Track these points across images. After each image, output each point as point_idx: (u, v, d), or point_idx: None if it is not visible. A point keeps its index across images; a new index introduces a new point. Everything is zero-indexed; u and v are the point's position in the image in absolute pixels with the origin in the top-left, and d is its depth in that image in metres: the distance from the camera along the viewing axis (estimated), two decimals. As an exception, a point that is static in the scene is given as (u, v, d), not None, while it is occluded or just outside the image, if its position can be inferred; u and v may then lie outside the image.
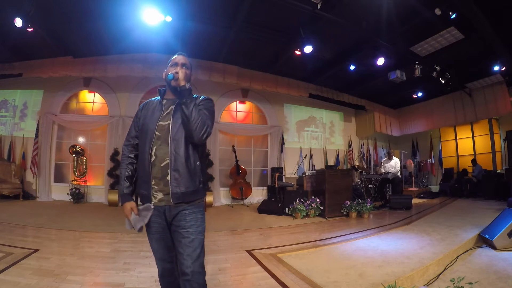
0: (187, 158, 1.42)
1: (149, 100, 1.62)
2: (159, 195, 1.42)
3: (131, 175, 1.54)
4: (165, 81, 1.50)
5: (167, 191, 1.40)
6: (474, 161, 9.00)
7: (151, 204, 1.43)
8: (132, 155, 1.56)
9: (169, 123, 1.45)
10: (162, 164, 1.41)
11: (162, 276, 1.54)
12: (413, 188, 9.55)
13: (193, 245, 1.38)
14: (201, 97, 1.53)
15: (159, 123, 1.46)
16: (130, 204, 1.46)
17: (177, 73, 1.42)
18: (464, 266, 2.84)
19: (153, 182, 1.42)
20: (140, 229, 1.45)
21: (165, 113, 1.49)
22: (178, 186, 1.39)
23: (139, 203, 1.52)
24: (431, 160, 11.03)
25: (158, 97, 1.58)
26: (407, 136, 11.47)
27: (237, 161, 7.83)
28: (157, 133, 1.44)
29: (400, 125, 11.40)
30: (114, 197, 6.80)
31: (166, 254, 1.50)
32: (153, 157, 1.42)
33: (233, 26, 5.58)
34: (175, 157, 1.40)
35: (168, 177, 1.40)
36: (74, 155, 7.31)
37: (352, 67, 6.91)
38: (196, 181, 1.45)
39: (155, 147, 1.43)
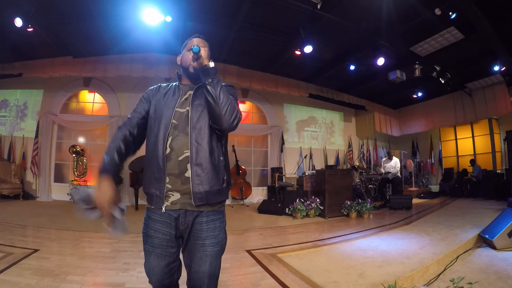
0: (212, 151, 1.19)
1: (161, 84, 1.37)
2: (174, 196, 1.16)
3: (123, 153, 1.19)
4: (181, 66, 1.33)
5: (185, 191, 1.16)
6: (473, 161, 9.00)
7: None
8: (130, 129, 1.25)
9: (188, 110, 1.22)
10: (180, 158, 1.17)
11: None
12: (413, 188, 9.55)
13: (209, 260, 1.17)
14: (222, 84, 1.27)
15: (176, 109, 1.23)
16: (111, 191, 1.04)
17: (198, 49, 1.20)
18: (464, 266, 2.84)
19: (167, 180, 1.16)
20: (118, 234, 1.05)
21: (183, 98, 1.26)
22: (201, 183, 1.15)
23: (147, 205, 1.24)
24: (431, 160, 11.03)
25: (172, 84, 1.35)
26: (407, 136, 11.47)
27: (237, 161, 7.83)
28: (173, 120, 1.20)
29: (400, 125, 11.40)
30: (114, 197, 6.79)
31: (165, 276, 1.19)
32: (168, 150, 1.18)
33: (233, 26, 5.58)
34: (197, 149, 1.17)
35: (188, 174, 1.16)
36: (74, 155, 7.31)
37: (352, 67, 6.90)
38: (221, 178, 1.21)
39: (171, 138, 1.18)
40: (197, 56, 1.21)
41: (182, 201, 1.16)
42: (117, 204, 1.04)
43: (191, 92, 1.27)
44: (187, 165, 1.16)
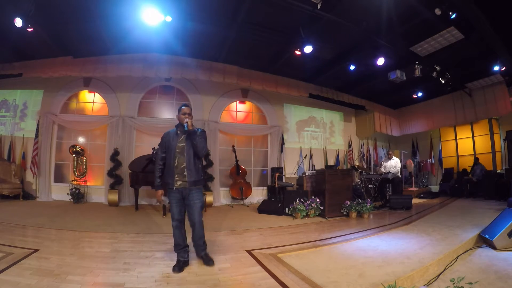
0: (195, 163, 2.79)
1: (168, 131, 2.89)
2: (179, 182, 2.72)
3: (161, 175, 2.85)
4: (178, 121, 2.85)
5: (184, 180, 2.72)
6: (477, 160, 8.96)
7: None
8: (161, 163, 2.84)
9: (183, 145, 2.77)
10: (182, 166, 2.73)
11: (176, 225, 2.76)
12: (413, 188, 9.55)
13: (197, 208, 2.77)
14: (199, 130, 2.83)
15: (178, 145, 2.77)
16: (161, 191, 2.88)
17: (187, 122, 2.72)
18: (464, 266, 2.84)
19: (176, 176, 2.72)
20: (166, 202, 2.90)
21: (181, 139, 2.79)
22: (191, 177, 2.74)
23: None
24: (431, 160, 11.03)
25: (174, 129, 2.87)
26: (407, 136, 11.47)
27: (237, 161, 7.83)
28: (177, 150, 2.75)
29: (400, 125, 11.40)
30: (114, 197, 6.80)
31: (179, 214, 2.77)
32: (176, 163, 2.73)
33: (233, 26, 5.58)
34: (188, 163, 2.74)
35: (185, 173, 2.72)
36: (74, 155, 7.31)
37: (352, 67, 6.90)
38: (200, 175, 2.82)
39: (177, 157, 2.74)
40: (187, 125, 2.73)
41: (183, 184, 2.73)
42: (164, 196, 2.89)
43: (185, 136, 2.79)
44: (185, 169, 2.74)
